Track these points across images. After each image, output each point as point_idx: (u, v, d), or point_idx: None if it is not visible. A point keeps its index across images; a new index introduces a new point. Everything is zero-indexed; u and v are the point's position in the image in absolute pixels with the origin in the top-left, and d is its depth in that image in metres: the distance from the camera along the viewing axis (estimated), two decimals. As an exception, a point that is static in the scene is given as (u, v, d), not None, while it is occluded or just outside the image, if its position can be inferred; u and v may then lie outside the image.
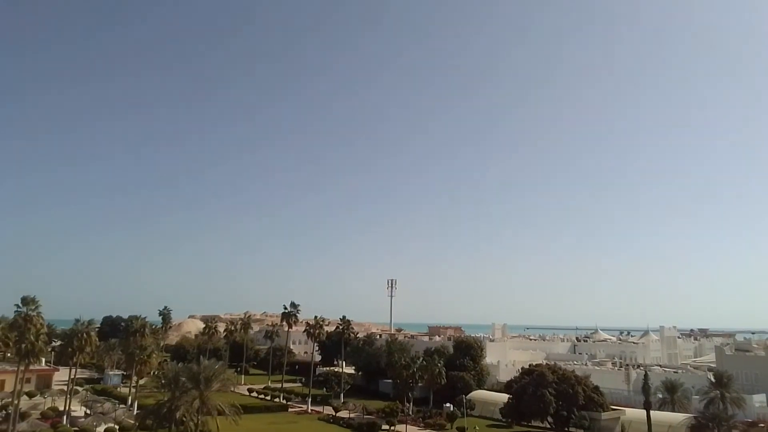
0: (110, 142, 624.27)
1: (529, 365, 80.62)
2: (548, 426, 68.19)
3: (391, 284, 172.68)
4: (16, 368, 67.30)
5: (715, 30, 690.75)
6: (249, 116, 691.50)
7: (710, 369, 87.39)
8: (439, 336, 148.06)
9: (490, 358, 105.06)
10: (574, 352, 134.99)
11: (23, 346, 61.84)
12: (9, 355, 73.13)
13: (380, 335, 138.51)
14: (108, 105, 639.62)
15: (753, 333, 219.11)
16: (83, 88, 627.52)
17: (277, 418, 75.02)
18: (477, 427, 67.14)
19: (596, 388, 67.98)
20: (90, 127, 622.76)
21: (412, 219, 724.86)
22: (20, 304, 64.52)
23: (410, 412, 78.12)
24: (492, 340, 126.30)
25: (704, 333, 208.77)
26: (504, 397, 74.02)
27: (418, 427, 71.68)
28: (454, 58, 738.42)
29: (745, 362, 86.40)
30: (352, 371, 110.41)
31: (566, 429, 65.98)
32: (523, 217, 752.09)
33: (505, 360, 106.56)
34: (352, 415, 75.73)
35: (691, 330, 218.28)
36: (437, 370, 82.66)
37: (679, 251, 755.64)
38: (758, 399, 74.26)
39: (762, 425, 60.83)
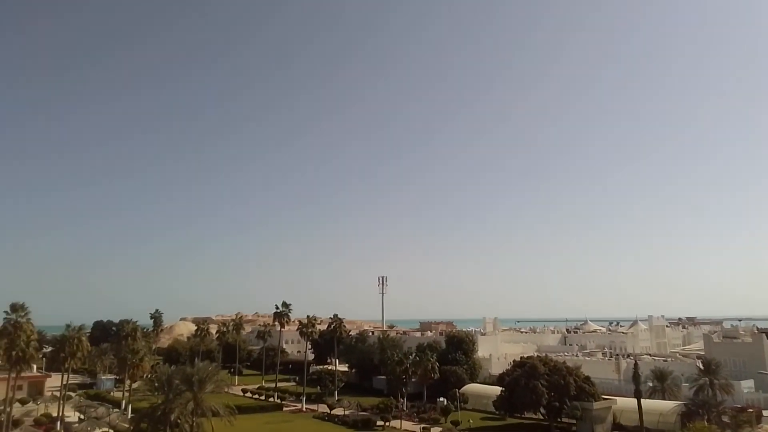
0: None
1: (521, 358, 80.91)
2: (541, 417, 68.80)
3: (382, 281, 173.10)
4: (7, 376, 66.94)
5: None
6: (239, 129, 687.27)
7: (699, 357, 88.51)
8: (431, 331, 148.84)
9: (482, 351, 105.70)
10: (565, 344, 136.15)
11: (14, 353, 61.48)
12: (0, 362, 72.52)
13: (372, 332, 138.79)
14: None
15: (740, 320, 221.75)
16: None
17: (272, 418, 75.13)
18: (471, 421, 67.69)
19: (587, 378, 68.56)
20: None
21: (401, 217, 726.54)
22: (9, 311, 64.14)
23: (404, 408, 78.54)
24: (483, 334, 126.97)
25: (692, 321, 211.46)
26: (497, 389, 74.52)
27: (413, 422, 72.08)
28: (451, 58, 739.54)
29: (733, 349, 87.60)
30: (346, 369, 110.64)
31: (559, 419, 66.62)
32: (510, 212, 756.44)
33: (496, 353, 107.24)
34: (346, 413, 76.01)
35: (679, 319, 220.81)
36: (430, 365, 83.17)
37: (666, 241, 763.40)
38: (746, 385, 75.39)
39: (751, 410, 61.74)
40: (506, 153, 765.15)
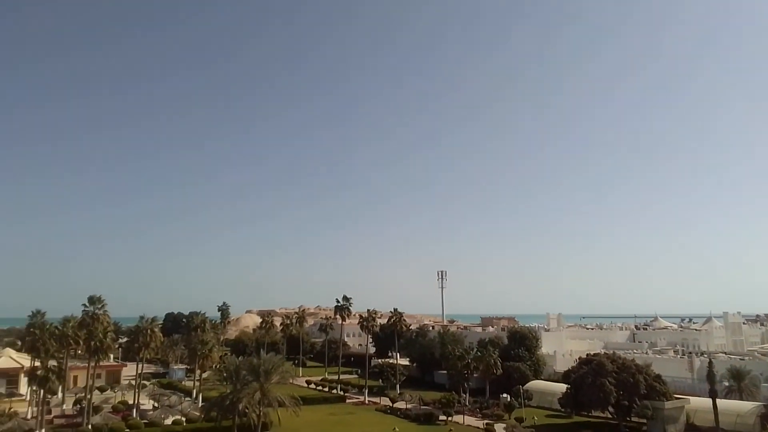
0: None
1: (587, 355, 78.80)
2: (609, 416, 66.68)
3: (442, 275, 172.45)
4: (86, 365, 70.92)
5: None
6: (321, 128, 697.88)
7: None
8: (493, 327, 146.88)
9: (545, 348, 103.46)
10: (634, 341, 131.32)
11: (92, 343, 65.07)
12: (80, 352, 76.93)
13: (433, 327, 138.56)
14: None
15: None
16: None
17: (335, 410, 76.20)
18: (536, 418, 66.36)
19: (658, 376, 65.77)
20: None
21: (462, 209, 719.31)
22: (87, 304, 67.88)
23: (467, 403, 77.92)
24: (547, 330, 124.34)
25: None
26: (562, 387, 72.78)
27: (476, 417, 71.42)
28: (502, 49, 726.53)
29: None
30: (407, 363, 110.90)
31: (628, 419, 64.32)
32: (575, 204, 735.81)
33: (561, 350, 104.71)
34: (408, 406, 76.15)
35: (757, 315, 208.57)
36: (492, 360, 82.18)
37: (743, 233, 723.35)
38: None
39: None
40: (569, 144, 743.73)
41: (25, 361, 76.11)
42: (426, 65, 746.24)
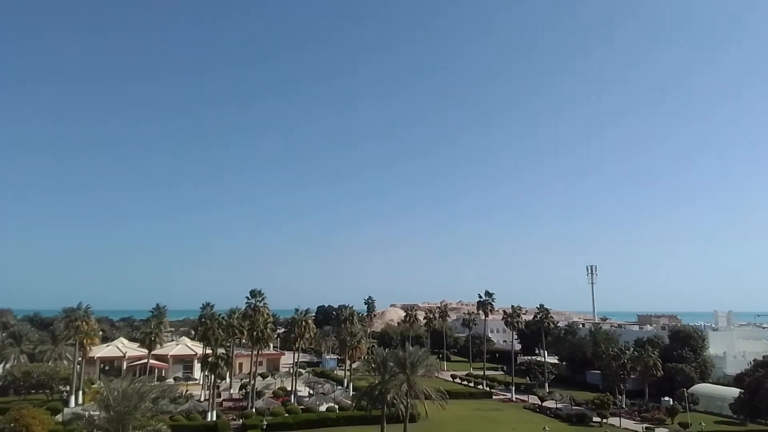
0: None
1: (763, 357, 70.84)
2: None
3: (592, 270, 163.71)
4: (249, 352, 77.29)
5: None
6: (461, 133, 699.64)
7: None
8: (651, 325, 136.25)
9: (713, 349, 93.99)
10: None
11: (255, 333, 70.72)
12: (243, 341, 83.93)
13: (583, 324, 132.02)
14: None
15: None
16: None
17: (481, 405, 75.57)
18: (703, 423, 60.67)
19: None
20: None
21: (613, 200, 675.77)
22: (249, 296, 73.82)
23: (624, 405, 73.36)
24: (715, 329, 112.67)
25: None
26: (734, 391, 65.96)
27: (634, 420, 66.99)
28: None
29: None
30: (555, 361, 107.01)
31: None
32: (739, 190, 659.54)
33: (732, 351, 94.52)
34: (559, 406, 73.37)
35: None
36: (651, 361, 76.57)
37: None
38: None
39: None
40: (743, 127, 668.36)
41: (198, 348, 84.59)
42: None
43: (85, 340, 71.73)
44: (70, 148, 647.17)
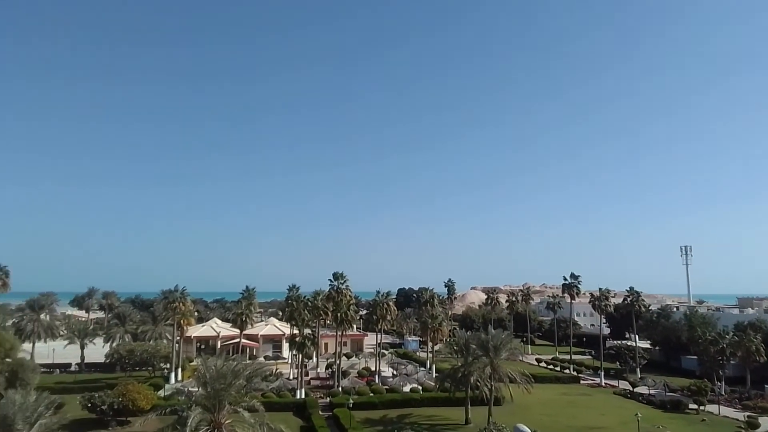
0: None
1: None
2: None
3: (686, 251, 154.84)
4: (334, 333, 79.30)
5: None
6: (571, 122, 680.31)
7: None
8: (753, 308, 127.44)
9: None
10: None
11: (338, 314, 72.39)
12: (328, 322, 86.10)
13: (677, 307, 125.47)
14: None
15: None
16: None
17: (569, 390, 73.70)
18: (814, 415, 56.23)
19: None
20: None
21: (709, 177, 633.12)
22: (332, 279, 75.47)
23: (723, 392, 69.29)
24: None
25: None
26: None
27: (734, 408, 63.12)
28: None
29: None
30: (647, 345, 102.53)
31: None
32: None
33: None
34: (652, 392, 70.41)
35: None
36: (753, 346, 71.67)
37: None
38: None
39: None
40: None
41: (285, 329, 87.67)
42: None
43: (182, 321, 76.28)
44: (183, 148, 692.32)
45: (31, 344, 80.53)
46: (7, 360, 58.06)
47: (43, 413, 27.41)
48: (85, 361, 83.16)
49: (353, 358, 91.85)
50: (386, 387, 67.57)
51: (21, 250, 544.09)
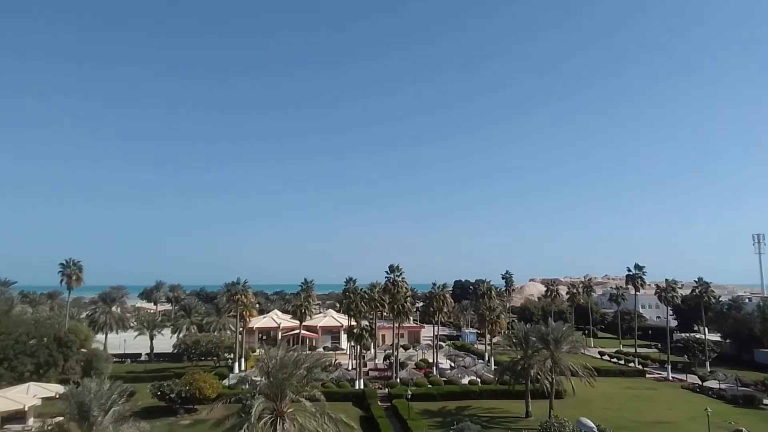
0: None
1: None
2: None
3: (759, 240, 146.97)
4: (391, 325, 79.66)
5: None
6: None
7: None
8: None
9: None
10: None
11: (395, 306, 72.68)
12: (385, 314, 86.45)
13: (750, 299, 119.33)
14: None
15: None
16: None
17: (633, 384, 71.42)
18: None
19: None
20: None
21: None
22: (388, 271, 75.75)
23: (801, 388, 65.49)
24: None
25: None
26: None
27: (815, 405, 59.65)
28: None
29: None
30: (717, 338, 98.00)
31: None
32: None
33: None
34: (722, 386, 67.32)
35: None
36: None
37: None
38: None
39: None
40: None
41: (343, 320, 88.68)
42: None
43: (244, 312, 78.53)
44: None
45: (103, 335, 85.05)
46: (83, 350, 61.62)
47: (117, 401, 28.70)
48: (154, 352, 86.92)
49: (410, 349, 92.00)
50: (444, 379, 67.43)
51: (93, 246, 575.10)
